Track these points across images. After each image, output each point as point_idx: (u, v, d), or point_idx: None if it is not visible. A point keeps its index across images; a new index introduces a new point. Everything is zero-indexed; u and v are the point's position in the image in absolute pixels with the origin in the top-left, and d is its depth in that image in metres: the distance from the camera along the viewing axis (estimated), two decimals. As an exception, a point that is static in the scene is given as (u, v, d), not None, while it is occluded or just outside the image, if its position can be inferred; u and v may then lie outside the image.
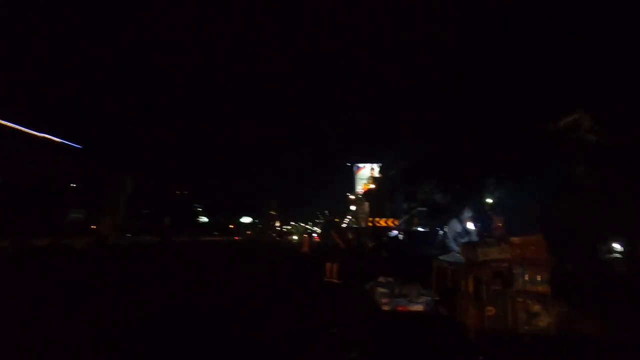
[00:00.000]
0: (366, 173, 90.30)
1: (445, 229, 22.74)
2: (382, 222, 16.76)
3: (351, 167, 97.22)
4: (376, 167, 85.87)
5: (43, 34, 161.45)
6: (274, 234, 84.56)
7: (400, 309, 4.71)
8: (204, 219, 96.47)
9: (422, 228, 35.82)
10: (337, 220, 10.80)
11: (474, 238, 5.47)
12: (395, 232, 38.72)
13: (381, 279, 6.03)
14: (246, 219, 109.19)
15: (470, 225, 5.55)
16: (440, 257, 4.79)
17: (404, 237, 23.80)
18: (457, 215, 5.63)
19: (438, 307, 4.38)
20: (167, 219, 42.26)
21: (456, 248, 5.37)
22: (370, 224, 17.28)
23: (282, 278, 9.15)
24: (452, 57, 20.94)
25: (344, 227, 13.19)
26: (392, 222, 17.32)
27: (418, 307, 4.68)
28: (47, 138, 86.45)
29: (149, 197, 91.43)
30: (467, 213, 5.51)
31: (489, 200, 25.71)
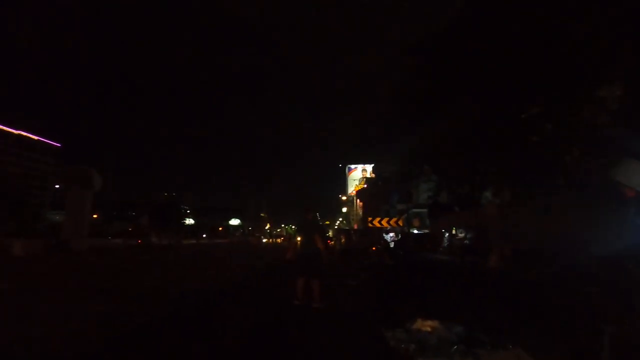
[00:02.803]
0: (358, 174, 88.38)
1: (457, 231, 20.43)
2: (384, 223, 14.16)
3: (343, 168, 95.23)
4: (368, 168, 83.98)
5: (24, 27, 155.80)
6: (263, 238, 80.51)
7: None
8: (190, 221, 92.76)
9: (418, 230, 33.40)
10: (315, 215, 6.74)
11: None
12: (392, 235, 36.06)
13: (423, 325, 3.19)
14: (235, 221, 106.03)
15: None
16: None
17: (403, 241, 21.20)
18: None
19: None
20: (144, 219, 38.89)
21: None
22: (370, 225, 14.58)
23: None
24: (452, 52, 18.24)
25: (326, 227, 8.24)
26: (396, 223, 14.72)
27: None
28: (23, 135, 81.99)
29: (132, 197, 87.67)
30: None
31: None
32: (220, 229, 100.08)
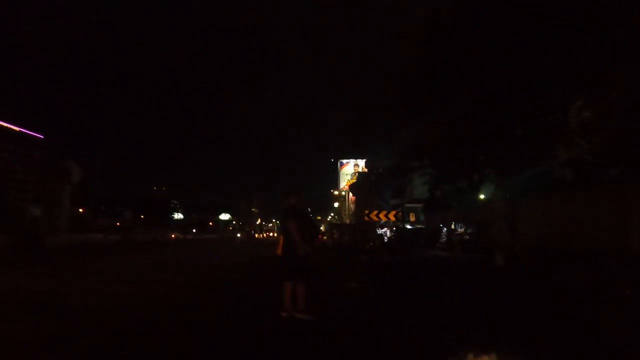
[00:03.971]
0: (350, 169, 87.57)
1: (456, 226, 19.63)
2: (382, 217, 13.27)
3: (335, 163, 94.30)
4: (361, 163, 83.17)
5: (19, 25, 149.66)
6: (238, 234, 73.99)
7: None
8: (180, 216, 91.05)
9: (411, 225, 32.59)
10: (298, 201, 4.68)
11: None
12: (385, 230, 35.22)
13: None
14: (225, 216, 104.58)
15: None
16: None
17: (400, 236, 20.33)
18: None
19: None
20: (127, 213, 37.34)
21: None
22: (367, 219, 13.62)
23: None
24: (449, 42, 17.01)
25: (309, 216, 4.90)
26: (395, 217, 13.85)
27: None
28: (3, 126, 79.05)
29: (123, 192, 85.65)
30: None
31: (482, 196, 22.58)
32: (210, 224, 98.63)
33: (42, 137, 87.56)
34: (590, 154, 12.99)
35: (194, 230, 79.55)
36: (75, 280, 7.71)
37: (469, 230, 16.22)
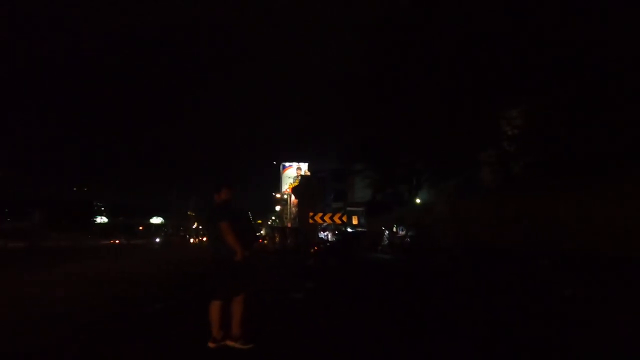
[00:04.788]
0: (292, 172, 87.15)
1: (397, 229, 19.92)
2: (327, 219, 12.91)
3: (277, 166, 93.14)
4: (303, 166, 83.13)
5: None
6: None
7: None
8: (103, 219, 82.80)
9: (352, 229, 32.98)
10: (229, 197, 3.62)
11: None
12: (327, 233, 35.07)
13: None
14: (157, 220, 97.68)
15: None
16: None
17: (344, 239, 20.16)
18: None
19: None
20: (36, 215, 32.53)
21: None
22: (311, 221, 13.10)
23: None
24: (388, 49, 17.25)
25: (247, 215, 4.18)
26: (340, 219, 13.56)
27: None
28: None
29: (31, 192, 75.72)
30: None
31: (418, 200, 23.58)
32: (141, 227, 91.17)
33: None
34: (519, 159, 13.83)
35: (114, 237, 72.06)
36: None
37: (409, 233, 16.45)
